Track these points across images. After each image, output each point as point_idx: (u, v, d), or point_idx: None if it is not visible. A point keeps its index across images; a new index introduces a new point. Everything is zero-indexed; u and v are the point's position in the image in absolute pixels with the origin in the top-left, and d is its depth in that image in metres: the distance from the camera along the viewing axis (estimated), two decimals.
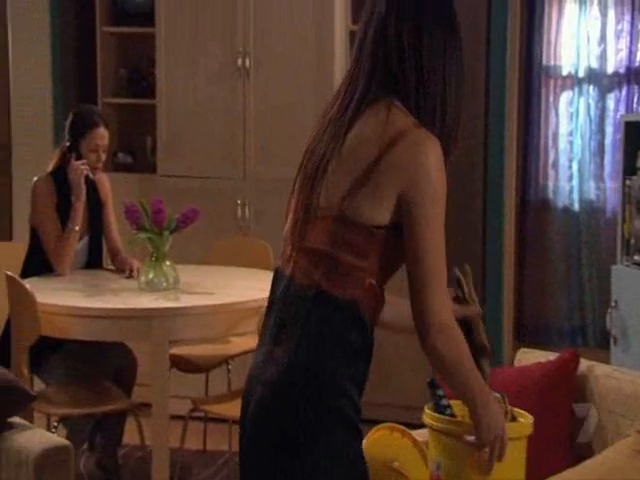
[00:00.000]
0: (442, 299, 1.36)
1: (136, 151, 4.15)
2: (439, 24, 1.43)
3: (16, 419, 1.87)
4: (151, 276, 2.74)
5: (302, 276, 1.40)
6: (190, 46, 3.77)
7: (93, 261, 3.14)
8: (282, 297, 1.43)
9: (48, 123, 4.07)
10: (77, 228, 2.98)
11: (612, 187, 4.21)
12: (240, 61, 3.70)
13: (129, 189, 3.74)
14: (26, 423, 1.91)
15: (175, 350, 3.11)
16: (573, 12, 4.37)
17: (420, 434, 1.76)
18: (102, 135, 3.02)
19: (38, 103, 4.05)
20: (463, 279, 1.57)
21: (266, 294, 2.18)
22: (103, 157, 3.08)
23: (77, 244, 3.02)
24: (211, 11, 3.73)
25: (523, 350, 1.98)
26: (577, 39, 4.34)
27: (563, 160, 4.54)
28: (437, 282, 1.36)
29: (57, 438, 1.81)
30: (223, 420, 3.05)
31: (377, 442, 1.74)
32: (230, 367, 3.27)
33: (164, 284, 2.74)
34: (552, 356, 1.84)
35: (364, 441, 1.68)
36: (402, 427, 1.77)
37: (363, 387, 1.43)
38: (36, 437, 1.79)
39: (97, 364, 2.93)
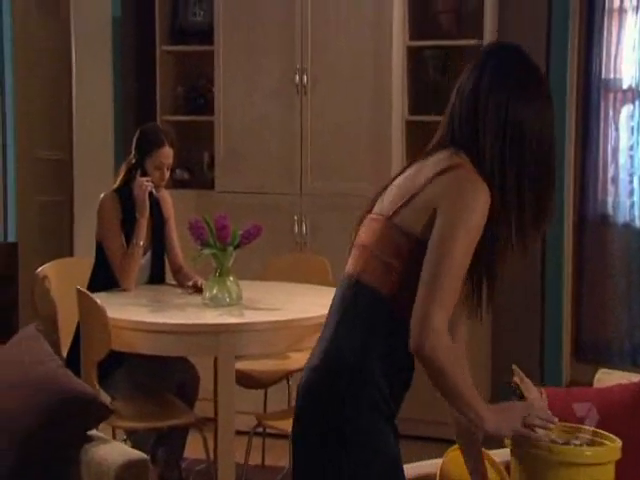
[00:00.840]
0: (441, 312, 1.38)
1: (193, 167, 4.20)
2: (501, 87, 1.48)
3: (94, 432, 1.90)
4: (215, 292, 2.76)
5: (350, 268, 1.54)
6: (248, 63, 3.81)
7: (155, 277, 3.17)
8: (337, 290, 1.56)
9: (109, 140, 4.15)
10: (141, 243, 3.02)
11: None
12: (297, 78, 3.72)
13: (187, 205, 3.79)
14: (104, 436, 1.94)
15: (237, 365, 3.11)
16: (634, 24, 4.29)
17: (497, 454, 1.73)
18: (167, 154, 3.08)
19: (99, 120, 4.13)
20: (520, 382, 1.55)
21: None
22: (167, 175, 3.13)
23: (141, 260, 3.06)
24: (269, 28, 3.77)
25: (602, 371, 1.93)
26: (638, 52, 4.26)
27: (623, 175, 4.45)
28: (441, 298, 1.38)
29: (135, 452, 1.84)
30: (282, 436, 3.05)
31: (454, 461, 1.71)
32: (290, 383, 3.27)
33: (227, 300, 2.76)
34: (635, 377, 1.78)
35: (442, 460, 1.66)
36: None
37: (397, 382, 1.50)
38: (115, 450, 1.82)
39: (161, 379, 2.96)
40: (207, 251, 2.73)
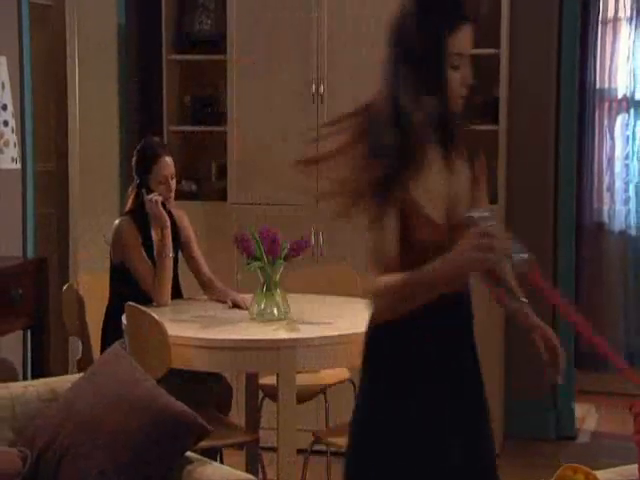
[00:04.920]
0: None
1: (200, 179, 4.10)
2: None
3: (188, 452, 1.82)
4: (263, 306, 2.69)
5: None
6: (263, 73, 3.75)
7: (173, 293, 3.04)
8: None
9: (114, 150, 4.02)
10: (171, 255, 2.93)
11: None
12: (314, 87, 3.68)
13: (196, 217, 3.68)
14: (201, 457, 1.86)
15: (265, 380, 3.04)
16: (628, 34, 4.41)
17: (601, 473, 1.73)
18: (166, 164, 2.97)
19: (104, 130, 4.00)
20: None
21: None
22: (173, 185, 3.01)
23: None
24: (284, 37, 3.72)
25: None
26: (632, 61, 4.38)
27: (619, 183, 4.56)
28: None
29: (242, 473, 1.76)
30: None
31: None
32: (328, 398, 3.20)
33: (276, 314, 2.70)
34: None
35: None
36: (586, 468, 1.73)
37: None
38: (218, 472, 1.75)
39: (199, 393, 2.86)
40: (257, 264, 2.66)
